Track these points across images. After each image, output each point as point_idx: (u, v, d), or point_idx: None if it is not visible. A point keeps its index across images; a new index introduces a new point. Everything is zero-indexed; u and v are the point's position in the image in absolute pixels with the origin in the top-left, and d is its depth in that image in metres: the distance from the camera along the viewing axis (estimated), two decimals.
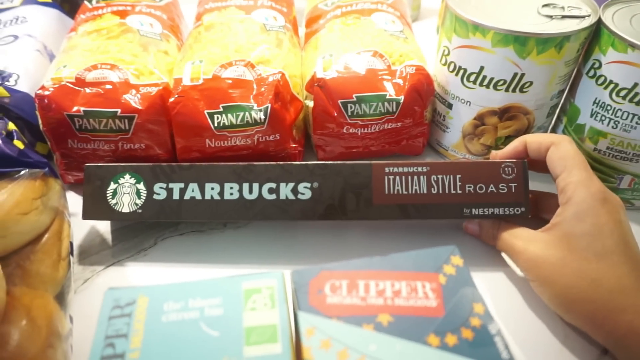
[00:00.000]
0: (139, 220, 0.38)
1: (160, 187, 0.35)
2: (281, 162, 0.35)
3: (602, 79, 0.36)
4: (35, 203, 0.30)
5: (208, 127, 0.38)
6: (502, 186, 0.34)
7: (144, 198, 0.35)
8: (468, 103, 0.41)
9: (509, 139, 0.41)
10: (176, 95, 0.38)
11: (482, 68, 0.38)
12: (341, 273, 0.25)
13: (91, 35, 0.43)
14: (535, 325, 0.32)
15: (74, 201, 0.37)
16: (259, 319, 0.23)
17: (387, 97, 0.40)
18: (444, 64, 0.41)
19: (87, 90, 0.38)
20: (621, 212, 0.30)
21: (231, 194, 0.35)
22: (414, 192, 0.35)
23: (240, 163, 0.35)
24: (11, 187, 0.29)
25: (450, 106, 0.42)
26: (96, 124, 0.38)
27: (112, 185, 0.35)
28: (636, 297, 0.28)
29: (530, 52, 0.36)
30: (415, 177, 0.35)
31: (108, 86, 0.38)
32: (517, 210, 0.34)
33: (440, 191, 0.35)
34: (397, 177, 0.35)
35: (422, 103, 0.41)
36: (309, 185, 0.35)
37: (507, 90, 0.38)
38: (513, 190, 0.34)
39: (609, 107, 0.36)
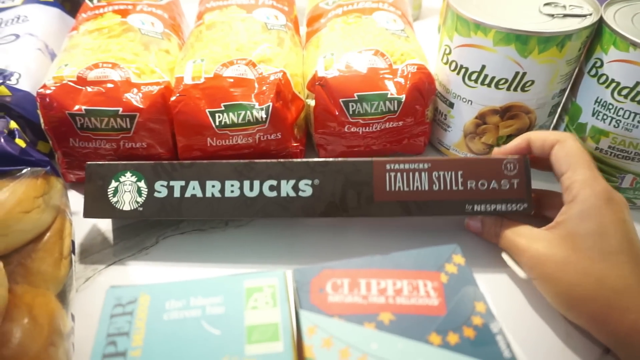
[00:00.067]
0: (140, 218, 0.38)
1: (161, 185, 0.35)
2: (282, 160, 0.35)
3: (604, 77, 0.36)
4: (37, 201, 0.30)
5: (209, 126, 0.38)
6: (504, 182, 0.34)
7: (145, 196, 0.35)
8: (469, 102, 0.41)
9: (510, 138, 0.41)
10: (177, 94, 0.38)
11: (483, 67, 0.38)
12: (343, 272, 0.25)
13: (92, 34, 0.43)
14: (537, 324, 0.32)
15: (76, 200, 0.37)
16: (260, 318, 0.23)
17: (389, 96, 0.40)
18: (446, 63, 0.41)
19: (89, 89, 0.38)
20: (626, 211, 0.30)
21: (232, 191, 0.35)
22: (415, 188, 0.34)
23: (241, 160, 0.35)
24: (13, 186, 0.29)
25: (451, 105, 0.42)
26: (98, 123, 0.38)
27: (113, 184, 0.35)
28: None
29: (532, 51, 0.36)
30: (417, 174, 0.35)
31: (109, 85, 0.38)
32: (520, 207, 0.34)
33: (442, 188, 0.34)
34: (399, 174, 0.35)
35: (424, 102, 0.41)
36: (309, 182, 0.35)
37: (508, 89, 0.38)
38: (515, 187, 0.34)
39: (610, 106, 0.36)
